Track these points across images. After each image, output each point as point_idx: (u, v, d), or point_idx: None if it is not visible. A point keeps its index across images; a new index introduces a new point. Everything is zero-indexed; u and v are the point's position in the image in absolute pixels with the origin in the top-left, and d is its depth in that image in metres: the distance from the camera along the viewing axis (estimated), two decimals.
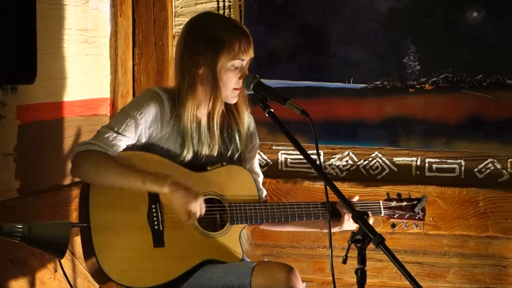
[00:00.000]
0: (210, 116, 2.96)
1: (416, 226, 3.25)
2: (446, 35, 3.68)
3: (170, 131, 2.95)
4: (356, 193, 3.67)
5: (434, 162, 3.77)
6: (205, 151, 2.97)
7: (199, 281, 2.83)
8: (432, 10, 3.69)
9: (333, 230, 3.03)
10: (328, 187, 2.55)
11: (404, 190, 3.35)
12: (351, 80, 3.78)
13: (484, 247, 3.71)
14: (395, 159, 3.81)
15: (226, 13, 3.87)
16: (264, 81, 2.89)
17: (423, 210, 3.23)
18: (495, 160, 3.71)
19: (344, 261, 2.36)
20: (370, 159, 3.83)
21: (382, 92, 3.75)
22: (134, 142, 2.92)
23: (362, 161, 3.84)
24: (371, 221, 2.95)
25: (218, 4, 3.88)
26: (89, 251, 2.79)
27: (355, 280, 2.32)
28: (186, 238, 2.87)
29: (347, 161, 3.86)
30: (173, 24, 3.93)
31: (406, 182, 3.73)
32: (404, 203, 3.22)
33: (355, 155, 3.85)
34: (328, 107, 3.80)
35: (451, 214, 3.70)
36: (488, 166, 3.72)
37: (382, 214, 3.18)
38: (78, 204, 2.90)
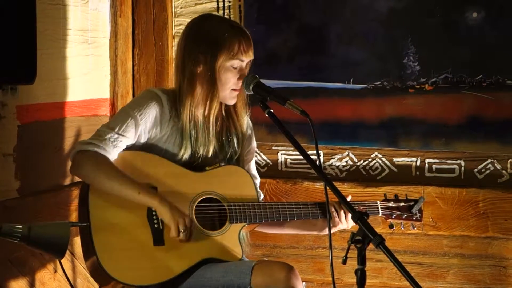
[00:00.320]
0: (207, 115, 2.97)
1: (414, 227, 3.26)
2: (446, 35, 3.69)
3: (169, 132, 2.96)
4: (356, 194, 3.69)
5: (434, 163, 3.77)
6: (202, 150, 2.98)
7: (199, 280, 2.84)
8: (432, 11, 3.69)
9: (331, 230, 3.03)
10: (328, 188, 2.56)
11: (404, 191, 3.36)
12: (351, 80, 3.78)
13: (484, 248, 3.70)
14: (394, 159, 3.81)
15: (225, 13, 3.87)
16: (264, 81, 2.90)
17: (420, 211, 3.25)
18: (495, 160, 3.71)
19: (344, 262, 2.36)
20: (370, 160, 3.83)
21: (382, 92, 3.75)
22: (133, 142, 2.93)
23: (362, 161, 3.84)
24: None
25: (217, 4, 3.88)
26: (89, 250, 2.79)
27: (355, 280, 2.33)
28: None
29: (347, 161, 3.86)
30: (173, 24, 3.93)
31: (405, 182, 3.73)
32: (402, 204, 3.23)
33: (354, 155, 3.85)
34: (328, 108, 3.80)
35: (451, 215, 3.70)
36: (488, 167, 3.72)
37: (380, 214, 3.19)
38: (77, 204, 2.91)
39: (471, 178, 3.73)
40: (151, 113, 2.92)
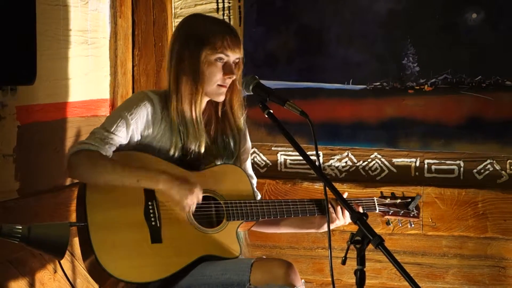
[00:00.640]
0: (193, 109, 2.99)
1: (412, 224, 3.27)
2: (445, 36, 3.69)
3: (162, 132, 2.99)
4: (355, 194, 3.69)
5: (433, 163, 3.77)
6: (193, 146, 2.98)
7: (198, 278, 2.85)
8: (432, 12, 3.69)
9: (327, 227, 3.04)
10: (327, 188, 2.57)
11: (403, 191, 3.36)
12: (351, 81, 3.78)
13: (483, 248, 3.71)
14: (394, 160, 3.81)
15: (225, 14, 3.87)
16: (263, 82, 2.90)
17: (417, 208, 3.26)
18: (494, 161, 3.71)
19: (344, 262, 2.37)
20: (369, 160, 3.83)
21: (381, 93, 3.76)
22: (126, 142, 2.95)
23: (361, 162, 3.85)
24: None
25: (217, 5, 3.89)
26: (87, 249, 2.80)
27: (354, 281, 2.33)
28: (183, 234, 2.89)
29: (346, 162, 3.86)
30: (173, 25, 3.93)
31: (405, 183, 3.73)
32: (398, 201, 3.25)
33: (354, 156, 3.85)
34: (328, 108, 3.80)
35: (450, 215, 3.70)
36: (487, 167, 3.72)
37: (377, 211, 3.20)
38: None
39: (471, 178, 3.74)
40: (142, 113, 2.95)
